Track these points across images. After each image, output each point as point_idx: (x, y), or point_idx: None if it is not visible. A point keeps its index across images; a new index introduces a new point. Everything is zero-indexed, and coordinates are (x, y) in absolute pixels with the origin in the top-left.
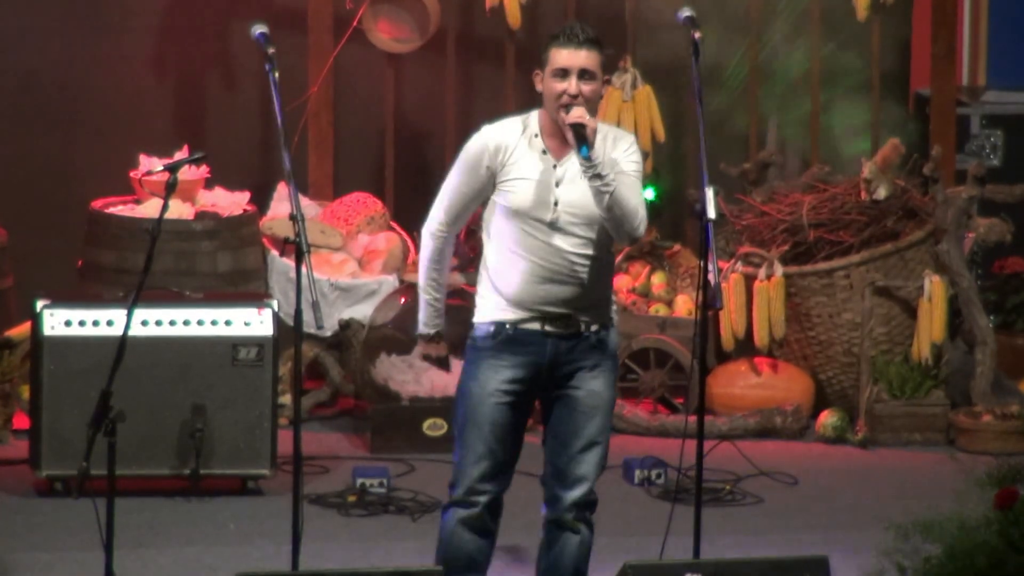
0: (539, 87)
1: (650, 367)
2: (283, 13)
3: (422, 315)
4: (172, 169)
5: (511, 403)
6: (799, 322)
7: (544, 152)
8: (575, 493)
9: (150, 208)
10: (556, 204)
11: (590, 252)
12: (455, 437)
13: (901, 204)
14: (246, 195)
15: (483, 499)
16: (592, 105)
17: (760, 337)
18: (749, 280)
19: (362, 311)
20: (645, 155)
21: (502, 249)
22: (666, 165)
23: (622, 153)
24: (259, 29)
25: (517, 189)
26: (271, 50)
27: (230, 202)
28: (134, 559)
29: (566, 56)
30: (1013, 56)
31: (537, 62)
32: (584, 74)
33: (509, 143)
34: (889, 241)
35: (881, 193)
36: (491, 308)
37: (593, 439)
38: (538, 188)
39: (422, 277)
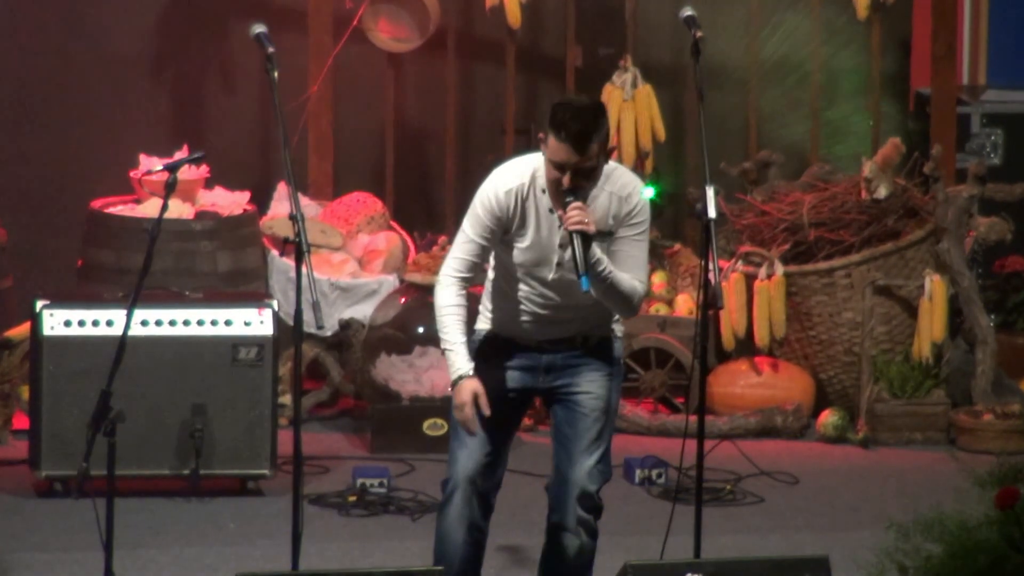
0: (542, 149)
1: (651, 367)
2: (283, 13)
3: (453, 361)
4: (172, 169)
5: (506, 398)
6: (800, 321)
7: (551, 211)
8: (575, 497)
9: (150, 208)
10: (559, 264)
11: (590, 303)
12: (450, 434)
13: (902, 203)
14: (246, 195)
15: (475, 495)
16: (596, 180)
17: (761, 336)
18: (749, 279)
19: (362, 311)
20: (646, 154)
21: (502, 287)
22: (666, 165)
23: (627, 216)
24: (258, 29)
25: (522, 246)
26: (271, 50)
27: (230, 202)
28: (134, 559)
29: (561, 152)
30: (1013, 55)
31: (536, 62)
32: (579, 172)
33: (520, 195)
34: (890, 240)
35: (881, 192)
36: (490, 321)
37: (593, 442)
38: (542, 247)
39: (442, 326)
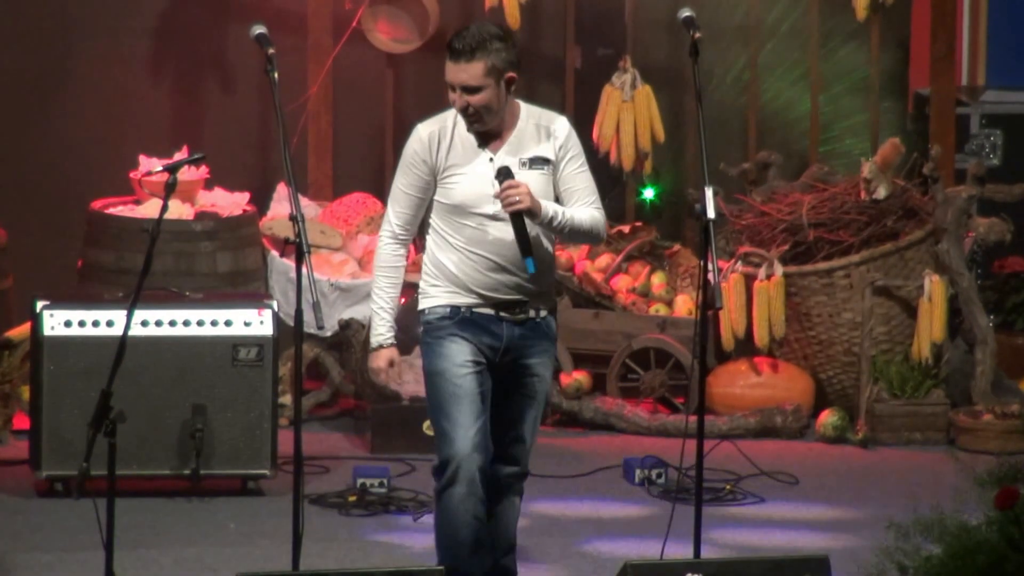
0: None
1: (650, 367)
2: (282, 14)
3: (376, 326)
4: (172, 170)
5: (481, 372)
6: (799, 322)
7: (479, 146)
8: (514, 469)
9: (150, 208)
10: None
11: (532, 239)
12: (434, 419)
13: (901, 204)
14: (246, 195)
15: (479, 473)
16: (496, 109)
17: (760, 337)
18: (749, 280)
19: (362, 311)
20: (645, 155)
21: (446, 244)
22: (666, 165)
23: (563, 149)
24: (258, 30)
25: (456, 184)
26: (271, 50)
27: (230, 202)
28: (134, 559)
29: (450, 72)
30: (1012, 55)
31: (535, 63)
32: (467, 89)
33: (444, 137)
34: (889, 241)
35: (881, 193)
36: (442, 293)
37: (534, 421)
38: (477, 182)
39: (375, 287)
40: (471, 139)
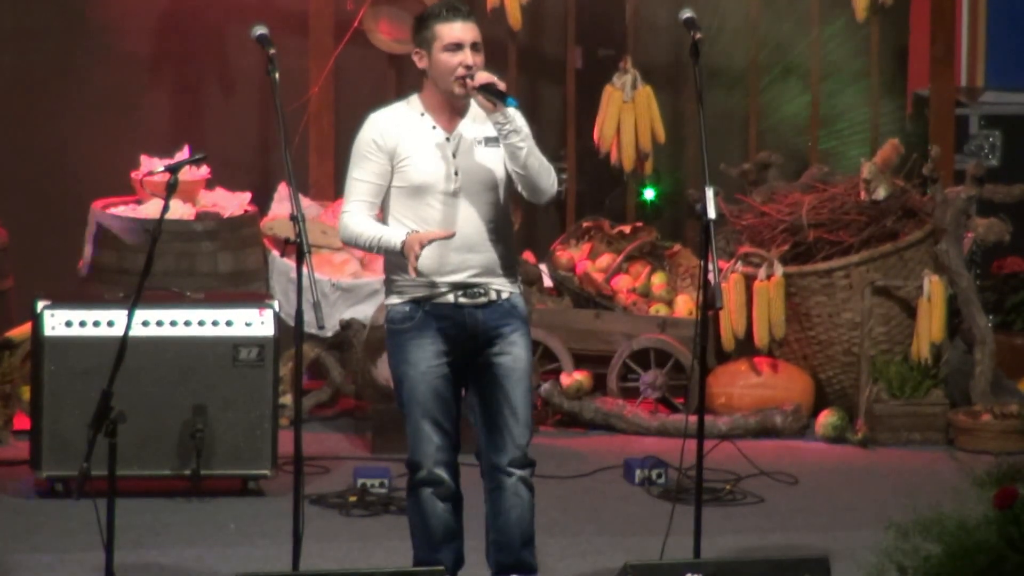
0: (422, 65)
1: (650, 367)
2: (284, 14)
3: (387, 241)
4: (173, 170)
5: (445, 375)
6: (799, 322)
7: (434, 127)
8: (512, 457)
9: (151, 209)
10: (457, 173)
11: (493, 216)
12: (404, 415)
13: (900, 204)
14: (247, 196)
15: (446, 471)
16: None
17: (760, 337)
18: (749, 280)
19: (363, 311)
20: (645, 156)
21: (406, 229)
22: (666, 165)
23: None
24: (259, 30)
25: (416, 165)
26: (272, 51)
27: (231, 203)
28: (135, 560)
29: (457, 31)
30: (1011, 57)
31: (537, 64)
32: (475, 46)
33: (398, 123)
34: (888, 241)
35: (880, 193)
36: (403, 288)
37: (521, 403)
38: (436, 161)
39: (364, 233)
40: (426, 122)
